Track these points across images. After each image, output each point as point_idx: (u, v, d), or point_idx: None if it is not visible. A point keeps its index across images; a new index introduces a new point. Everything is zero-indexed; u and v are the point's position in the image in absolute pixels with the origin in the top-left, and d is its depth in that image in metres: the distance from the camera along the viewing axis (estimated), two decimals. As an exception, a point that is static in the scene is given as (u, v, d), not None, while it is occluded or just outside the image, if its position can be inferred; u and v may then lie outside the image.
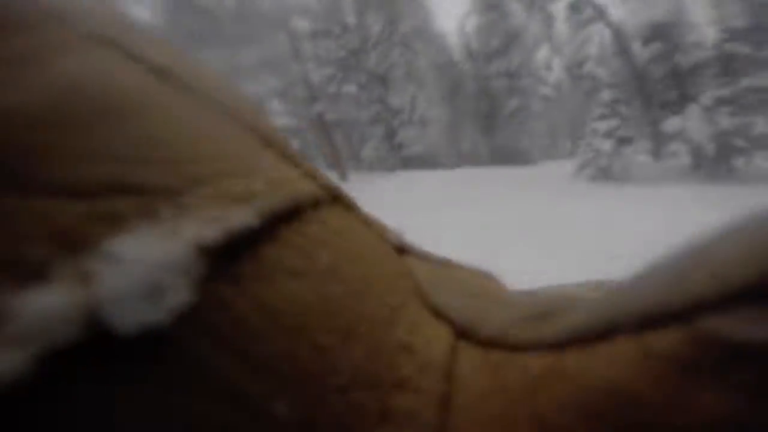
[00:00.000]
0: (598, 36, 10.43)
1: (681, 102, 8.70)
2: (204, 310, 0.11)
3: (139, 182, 0.11)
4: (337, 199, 0.17)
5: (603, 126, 9.54)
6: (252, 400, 0.11)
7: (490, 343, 0.15)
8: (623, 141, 9.19)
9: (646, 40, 9.31)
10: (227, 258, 0.12)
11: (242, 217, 0.12)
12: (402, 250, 0.20)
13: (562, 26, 11.41)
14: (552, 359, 0.13)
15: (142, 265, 0.10)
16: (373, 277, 0.16)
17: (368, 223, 0.18)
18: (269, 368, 0.11)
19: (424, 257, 0.21)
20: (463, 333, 0.15)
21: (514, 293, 0.19)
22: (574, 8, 10.94)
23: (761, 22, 8.14)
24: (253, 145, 0.16)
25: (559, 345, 0.13)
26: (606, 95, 9.95)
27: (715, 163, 8.22)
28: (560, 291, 0.19)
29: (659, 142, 9.14)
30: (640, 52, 9.35)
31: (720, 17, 8.69)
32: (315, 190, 0.16)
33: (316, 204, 0.15)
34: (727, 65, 8.33)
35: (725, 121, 7.99)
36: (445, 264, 0.21)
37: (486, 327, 0.15)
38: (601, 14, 10.07)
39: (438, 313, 0.16)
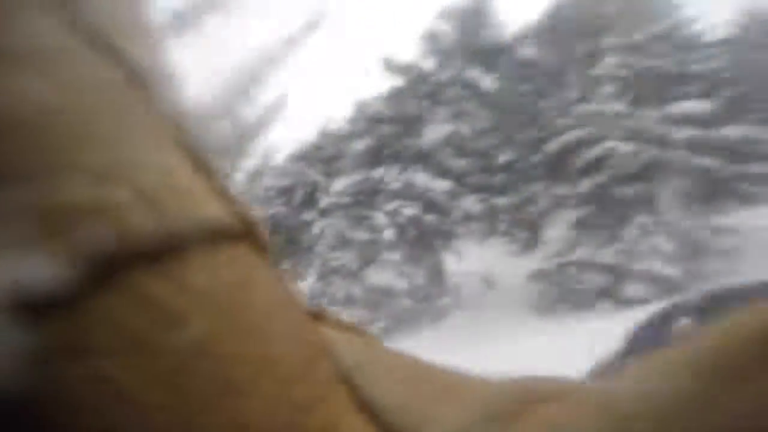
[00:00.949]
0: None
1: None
2: None
3: None
4: (250, 235, 0.12)
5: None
6: None
7: None
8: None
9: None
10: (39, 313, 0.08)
11: (51, 263, 0.08)
12: (318, 316, 0.15)
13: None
14: None
15: None
16: (277, 356, 0.11)
17: (279, 276, 0.13)
18: None
19: (347, 327, 0.16)
20: None
21: (462, 377, 0.14)
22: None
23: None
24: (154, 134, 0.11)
25: None
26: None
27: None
28: (519, 384, 0.14)
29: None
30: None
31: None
32: (224, 217, 0.11)
33: (220, 237, 0.11)
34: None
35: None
36: (371, 337, 0.16)
37: None
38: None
39: (366, 410, 0.12)
